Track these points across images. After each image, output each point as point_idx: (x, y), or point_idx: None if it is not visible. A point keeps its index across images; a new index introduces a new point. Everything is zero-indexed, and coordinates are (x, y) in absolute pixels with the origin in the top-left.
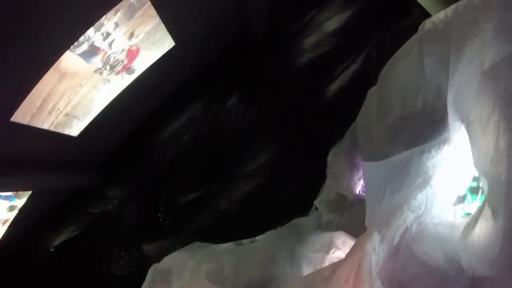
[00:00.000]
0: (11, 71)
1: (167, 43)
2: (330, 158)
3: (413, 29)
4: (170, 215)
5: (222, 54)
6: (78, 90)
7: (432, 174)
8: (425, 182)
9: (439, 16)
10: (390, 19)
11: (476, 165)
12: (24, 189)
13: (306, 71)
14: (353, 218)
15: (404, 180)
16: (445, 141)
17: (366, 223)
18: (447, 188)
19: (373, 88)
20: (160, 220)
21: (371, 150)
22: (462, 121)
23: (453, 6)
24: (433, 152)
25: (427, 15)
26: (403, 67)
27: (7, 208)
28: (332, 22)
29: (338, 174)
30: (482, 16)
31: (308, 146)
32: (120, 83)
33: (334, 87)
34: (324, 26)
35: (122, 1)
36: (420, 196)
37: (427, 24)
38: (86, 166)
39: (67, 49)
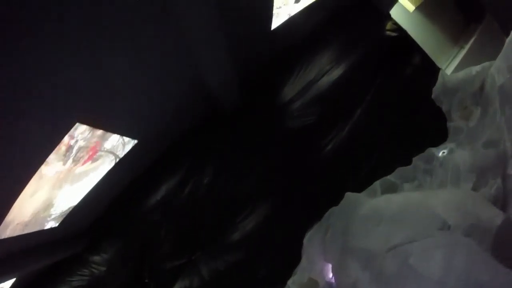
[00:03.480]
0: None
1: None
2: (305, 241)
3: (412, 79)
4: (155, 280)
5: (193, 127)
6: (51, 193)
7: None
8: None
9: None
10: (386, 72)
11: None
12: (5, 281)
13: (287, 143)
14: None
15: None
16: None
17: None
18: None
19: (352, 196)
20: (146, 282)
21: None
22: None
23: None
24: None
25: (429, 61)
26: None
27: None
28: (319, 85)
29: (312, 259)
30: None
31: (286, 224)
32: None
33: (318, 159)
34: (309, 92)
35: None
36: None
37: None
38: (69, 240)
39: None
